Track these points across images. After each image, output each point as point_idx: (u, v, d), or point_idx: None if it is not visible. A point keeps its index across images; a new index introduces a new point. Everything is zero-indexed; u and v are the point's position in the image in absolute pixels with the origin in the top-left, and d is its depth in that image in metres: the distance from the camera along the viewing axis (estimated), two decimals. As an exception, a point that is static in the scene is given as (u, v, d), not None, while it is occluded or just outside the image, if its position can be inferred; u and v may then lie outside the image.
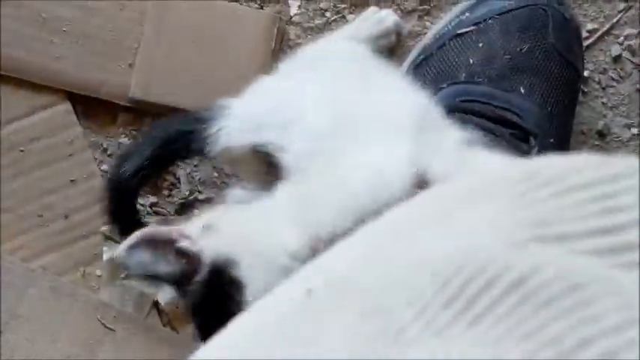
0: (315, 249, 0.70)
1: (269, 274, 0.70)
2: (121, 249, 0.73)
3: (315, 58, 0.87)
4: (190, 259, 0.73)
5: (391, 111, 0.77)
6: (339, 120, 0.76)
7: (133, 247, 0.72)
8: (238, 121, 0.79)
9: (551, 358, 0.30)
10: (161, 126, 0.86)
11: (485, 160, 0.70)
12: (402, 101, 0.79)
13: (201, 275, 0.73)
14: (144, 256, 0.73)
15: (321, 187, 0.73)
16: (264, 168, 0.77)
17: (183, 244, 0.73)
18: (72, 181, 0.96)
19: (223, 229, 0.74)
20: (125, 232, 0.81)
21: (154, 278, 0.75)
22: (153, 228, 0.76)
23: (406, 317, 0.33)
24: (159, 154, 0.83)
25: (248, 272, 0.71)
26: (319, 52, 0.89)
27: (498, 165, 0.44)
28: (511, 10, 0.89)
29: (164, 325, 0.95)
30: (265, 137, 0.77)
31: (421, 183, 0.70)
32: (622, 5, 0.98)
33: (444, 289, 0.33)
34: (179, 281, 0.74)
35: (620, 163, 0.38)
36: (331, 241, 0.68)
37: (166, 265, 0.73)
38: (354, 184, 0.72)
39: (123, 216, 0.86)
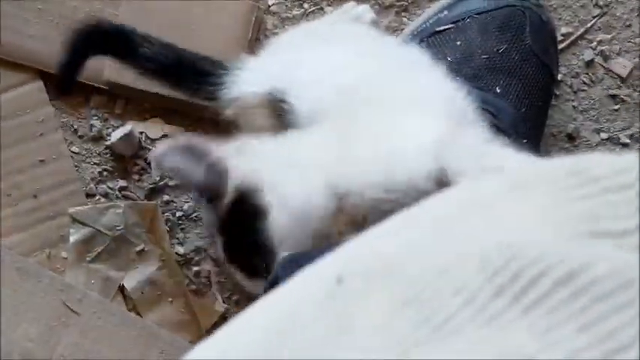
0: (340, 208, 0.70)
1: (289, 215, 0.71)
2: (158, 150, 0.73)
3: (329, 32, 0.87)
4: (219, 175, 0.73)
5: (424, 90, 0.78)
6: (365, 83, 0.76)
7: (169, 150, 0.72)
8: (255, 73, 0.80)
9: (610, 349, 0.30)
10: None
11: (509, 158, 0.69)
12: (436, 84, 0.79)
13: (227, 195, 0.72)
14: (178, 161, 0.73)
15: (356, 143, 0.73)
16: (273, 121, 0.77)
17: (216, 158, 0.73)
18: (41, 161, 0.95)
19: (254, 155, 0.74)
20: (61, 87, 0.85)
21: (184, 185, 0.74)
22: (192, 137, 0.77)
23: (452, 306, 0.33)
24: (167, 69, 0.85)
25: (269, 205, 0.72)
26: (329, 28, 0.89)
27: (532, 161, 0.44)
28: (490, 11, 0.90)
29: (129, 310, 0.94)
30: (281, 86, 0.77)
31: (441, 179, 0.69)
32: (597, 11, 0.99)
33: (494, 279, 0.33)
34: (207, 196, 0.75)
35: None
36: (355, 206, 0.68)
37: (197, 176, 0.73)
38: (390, 155, 0.72)
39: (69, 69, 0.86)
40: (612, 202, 0.36)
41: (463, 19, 0.90)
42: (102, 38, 0.85)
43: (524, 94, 0.88)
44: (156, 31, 0.95)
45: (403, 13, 0.99)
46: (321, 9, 0.99)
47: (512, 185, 0.40)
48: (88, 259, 0.94)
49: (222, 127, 0.96)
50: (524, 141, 0.87)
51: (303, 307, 0.38)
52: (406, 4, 0.99)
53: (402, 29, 0.97)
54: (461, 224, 0.39)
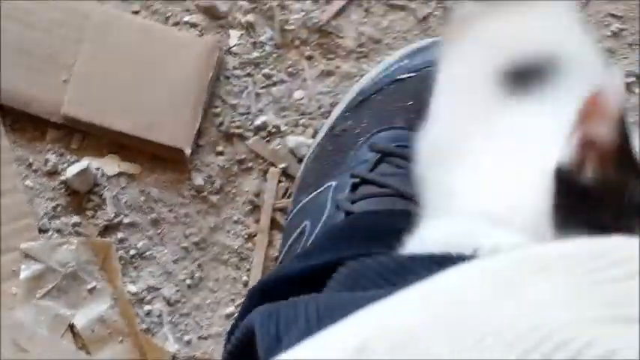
0: None
1: None
2: None
3: None
4: None
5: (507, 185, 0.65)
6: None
7: None
8: None
9: None
10: None
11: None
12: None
13: None
14: None
15: None
16: None
17: None
18: (-6, 194, 0.94)
19: None
20: None
21: None
22: None
23: None
24: None
25: None
26: None
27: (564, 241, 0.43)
28: (450, 60, 0.91)
29: (79, 348, 0.93)
30: None
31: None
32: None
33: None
34: None
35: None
36: None
37: None
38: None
39: None
40: (634, 287, 0.37)
41: (424, 68, 0.91)
42: None
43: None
44: (118, 69, 0.95)
45: (363, 60, 1.00)
46: (280, 56, 0.99)
47: (537, 264, 0.40)
48: (38, 295, 0.93)
49: (180, 164, 0.96)
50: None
51: None
52: (366, 50, 1.00)
53: (362, 75, 0.98)
54: (487, 301, 0.39)
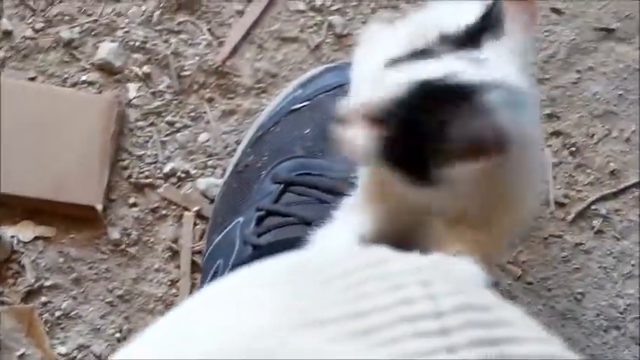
0: None
1: None
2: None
3: None
4: None
5: None
6: None
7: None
8: None
9: None
10: None
11: None
12: None
13: None
14: None
15: None
16: None
17: None
18: None
19: None
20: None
21: None
22: None
23: None
24: None
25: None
26: None
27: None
28: (342, 85, 0.93)
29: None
30: None
31: None
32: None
33: None
34: None
35: (370, 254, 0.42)
36: None
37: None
38: None
39: None
40: (324, 293, 0.39)
41: (316, 96, 0.93)
42: None
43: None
44: (22, 136, 0.96)
45: (262, 95, 1.02)
46: (180, 102, 1.01)
47: (254, 279, 0.43)
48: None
49: (94, 221, 0.97)
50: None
51: None
52: (264, 85, 1.02)
53: (262, 110, 0.99)
54: (214, 313, 0.41)
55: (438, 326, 0.37)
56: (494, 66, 0.63)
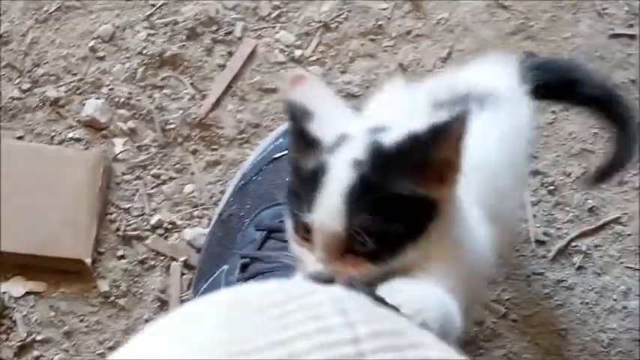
0: None
1: None
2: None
3: None
4: None
5: None
6: None
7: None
8: None
9: None
10: None
11: None
12: None
13: None
14: None
15: None
16: None
17: None
18: None
19: None
20: None
21: None
22: None
23: None
24: None
25: None
26: None
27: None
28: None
29: None
30: None
31: None
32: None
33: None
34: None
35: (300, 285, 0.45)
36: None
37: None
38: None
39: None
40: (249, 325, 0.42)
41: (297, 144, 0.95)
42: None
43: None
44: (10, 194, 0.98)
45: (245, 145, 1.04)
46: (165, 155, 1.03)
47: (195, 312, 0.46)
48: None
49: (84, 274, 0.99)
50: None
51: None
52: (247, 135, 1.04)
53: (245, 160, 1.02)
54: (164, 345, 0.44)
55: (354, 351, 0.40)
56: None
